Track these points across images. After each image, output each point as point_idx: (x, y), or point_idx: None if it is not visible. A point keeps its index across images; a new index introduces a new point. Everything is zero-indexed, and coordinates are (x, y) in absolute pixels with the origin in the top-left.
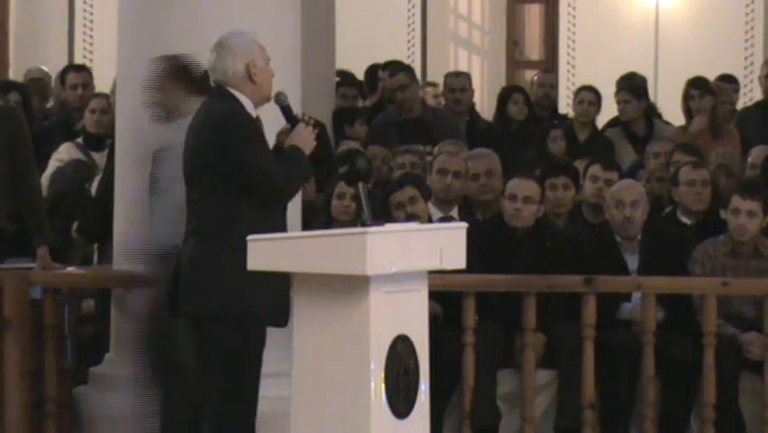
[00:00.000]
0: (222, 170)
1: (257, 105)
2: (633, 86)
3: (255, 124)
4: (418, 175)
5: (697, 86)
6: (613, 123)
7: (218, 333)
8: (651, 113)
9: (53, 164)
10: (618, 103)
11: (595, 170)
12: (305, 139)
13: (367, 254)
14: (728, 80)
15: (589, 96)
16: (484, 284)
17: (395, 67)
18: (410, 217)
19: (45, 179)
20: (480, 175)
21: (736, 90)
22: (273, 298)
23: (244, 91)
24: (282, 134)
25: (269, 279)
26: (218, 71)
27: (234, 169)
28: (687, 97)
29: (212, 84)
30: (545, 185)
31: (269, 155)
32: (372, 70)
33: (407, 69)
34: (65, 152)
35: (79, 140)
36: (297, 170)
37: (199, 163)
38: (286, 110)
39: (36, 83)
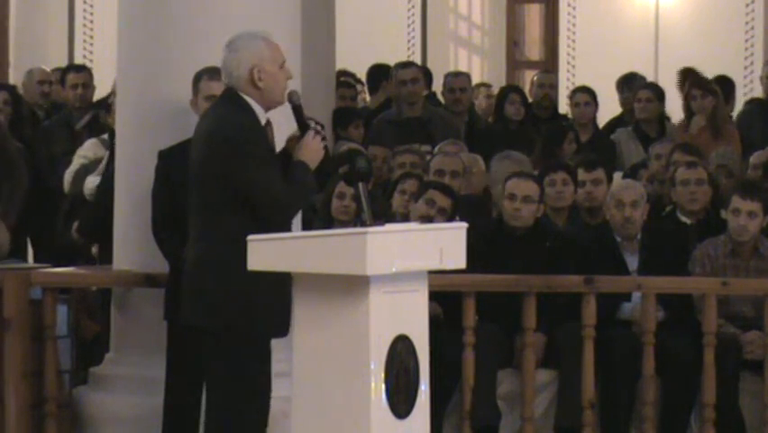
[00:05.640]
0: (225, 185)
1: (267, 109)
2: (655, 86)
3: (262, 140)
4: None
5: (699, 86)
6: (616, 122)
7: (220, 345)
8: (662, 115)
9: (78, 161)
10: (639, 101)
11: (579, 173)
12: (313, 150)
13: (367, 254)
14: (724, 81)
15: (584, 98)
16: (484, 284)
17: (409, 62)
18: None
19: (69, 174)
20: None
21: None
22: (274, 309)
23: (252, 95)
24: (291, 140)
25: (271, 290)
26: (225, 72)
27: (238, 188)
28: (689, 97)
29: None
30: (545, 182)
31: (274, 174)
32: (375, 70)
33: (420, 67)
34: (90, 149)
35: (105, 136)
36: (301, 189)
37: (204, 173)
38: (297, 110)
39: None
